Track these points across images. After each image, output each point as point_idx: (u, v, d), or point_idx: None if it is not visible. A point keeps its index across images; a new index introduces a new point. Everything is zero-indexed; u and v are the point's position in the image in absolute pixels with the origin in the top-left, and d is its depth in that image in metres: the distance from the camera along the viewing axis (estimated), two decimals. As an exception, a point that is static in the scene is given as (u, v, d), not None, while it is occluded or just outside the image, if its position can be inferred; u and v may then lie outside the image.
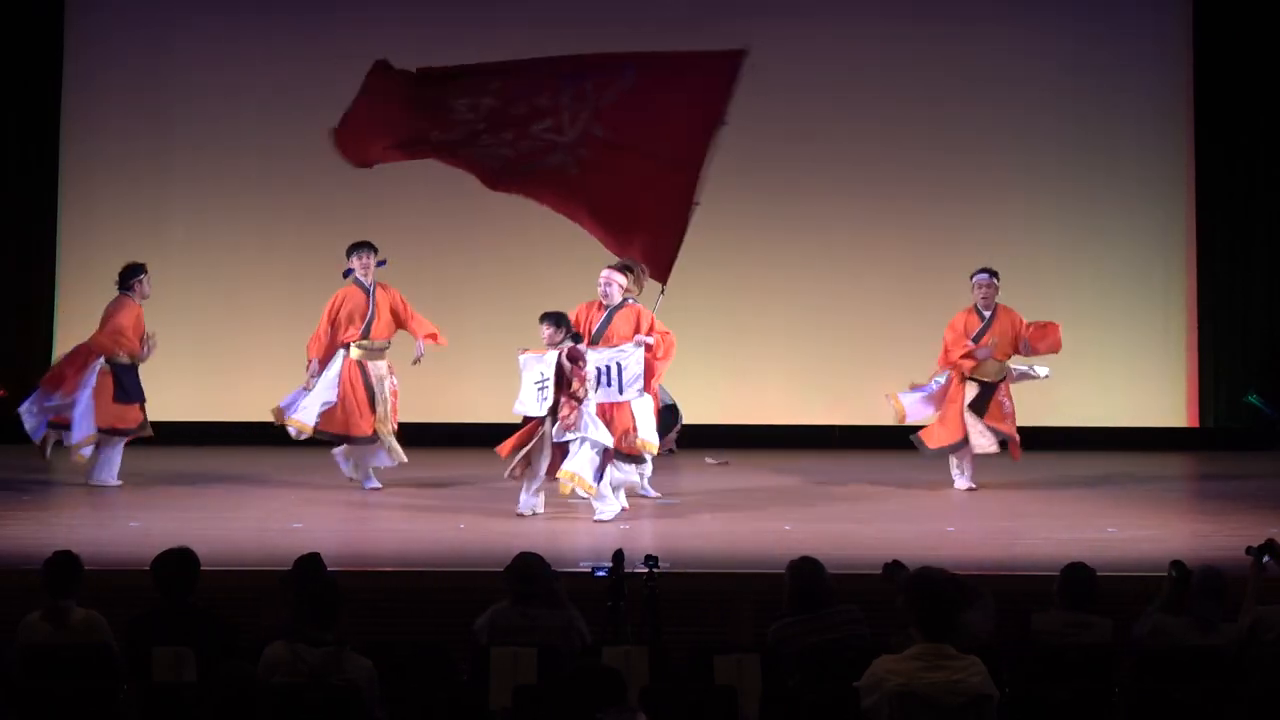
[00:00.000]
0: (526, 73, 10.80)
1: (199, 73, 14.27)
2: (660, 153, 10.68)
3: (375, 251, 11.31)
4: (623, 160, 10.69)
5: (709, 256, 14.28)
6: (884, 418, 12.03)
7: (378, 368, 11.29)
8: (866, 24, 14.42)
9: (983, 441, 11.49)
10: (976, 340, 11.51)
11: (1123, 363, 14.37)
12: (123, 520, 10.11)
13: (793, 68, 14.32)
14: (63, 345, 12.68)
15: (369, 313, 11.23)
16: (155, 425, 11.64)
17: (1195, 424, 14.46)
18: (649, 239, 10.79)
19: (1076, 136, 14.40)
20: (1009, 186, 14.42)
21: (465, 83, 10.70)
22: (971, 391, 11.56)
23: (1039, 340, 11.55)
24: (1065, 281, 14.33)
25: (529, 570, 6.76)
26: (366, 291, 11.28)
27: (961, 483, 11.56)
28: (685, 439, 12.59)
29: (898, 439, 12.30)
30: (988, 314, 11.56)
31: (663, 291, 10.80)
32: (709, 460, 12.50)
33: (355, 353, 11.24)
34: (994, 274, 11.61)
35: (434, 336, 11.44)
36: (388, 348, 11.38)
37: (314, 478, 11.83)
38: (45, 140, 14.32)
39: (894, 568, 6.59)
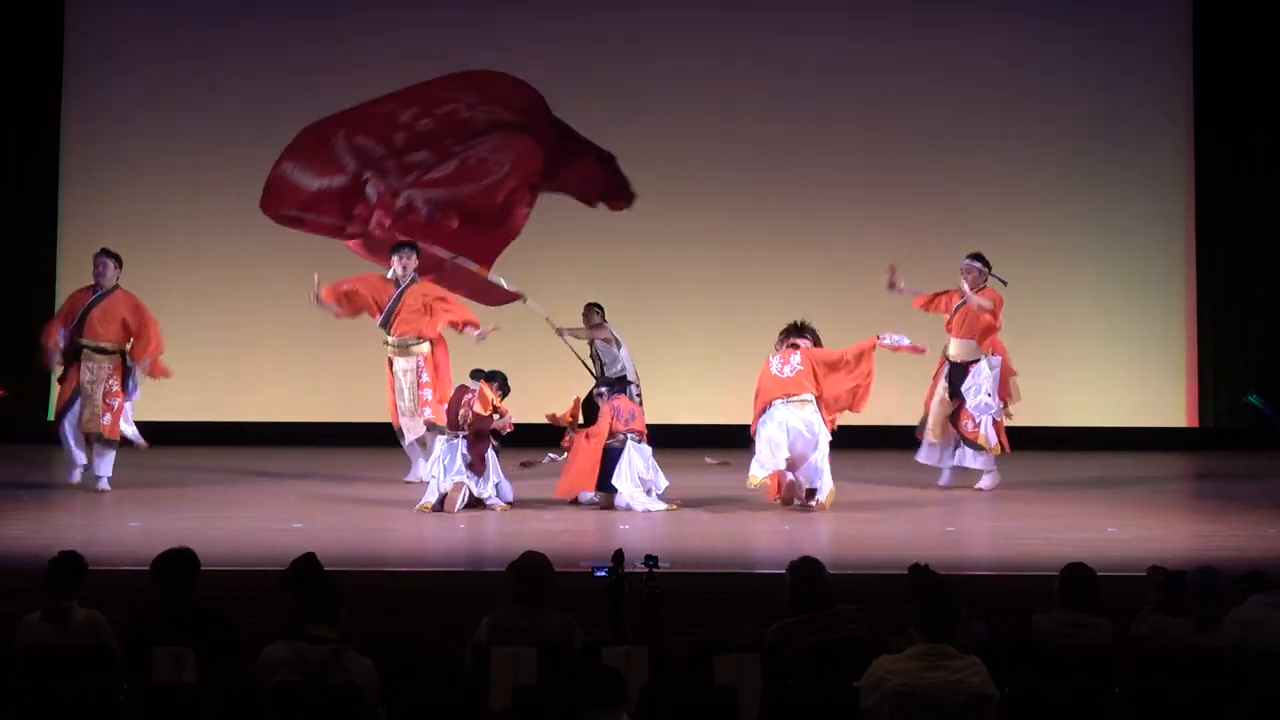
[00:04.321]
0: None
1: (200, 74, 14.27)
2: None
3: (416, 252, 11.44)
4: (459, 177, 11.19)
5: (708, 256, 14.32)
6: (883, 417, 12.03)
7: (401, 364, 11.57)
8: (867, 26, 14.43)
9: (932, 446, 11.63)
10: (952, 316, 11.59)
11: (1123, 363, 14.37)
12: (123, 520, 10.11)
13: (793, 69, 14.34)
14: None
15: (390, 305, 11.50)
16: (156, 425, 11.67)
17: (1195, 424, 14.46)
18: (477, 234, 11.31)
19: (1077, 138, 14.40)
20: (1010, 187, 14.42)
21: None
22: (943, 378, 11.68)
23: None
24: (1065, 282, 14.34)
25: (534, 570, 6.75)
26: (397, 286, 11.53)
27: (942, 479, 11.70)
28: (684, 439, 12.61)
29: (897, 439, 12.30)
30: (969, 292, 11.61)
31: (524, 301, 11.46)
32: (709, 460, 12.51)
33: (386, 349, 11.64)
34: (975, 258, 11.61)
35: (462, 325, 11.62)
36: (415, 345, 11.54)
37: (314, 478, 11.84)
38: (45, 142, 14.33)
39: (918, 571, 6.62)
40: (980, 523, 10.51)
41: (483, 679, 6.24)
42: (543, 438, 11.12)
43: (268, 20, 14.39)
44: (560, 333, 11.50)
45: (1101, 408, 14.28)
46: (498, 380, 10.72)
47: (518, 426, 10.83)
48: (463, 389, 10.75)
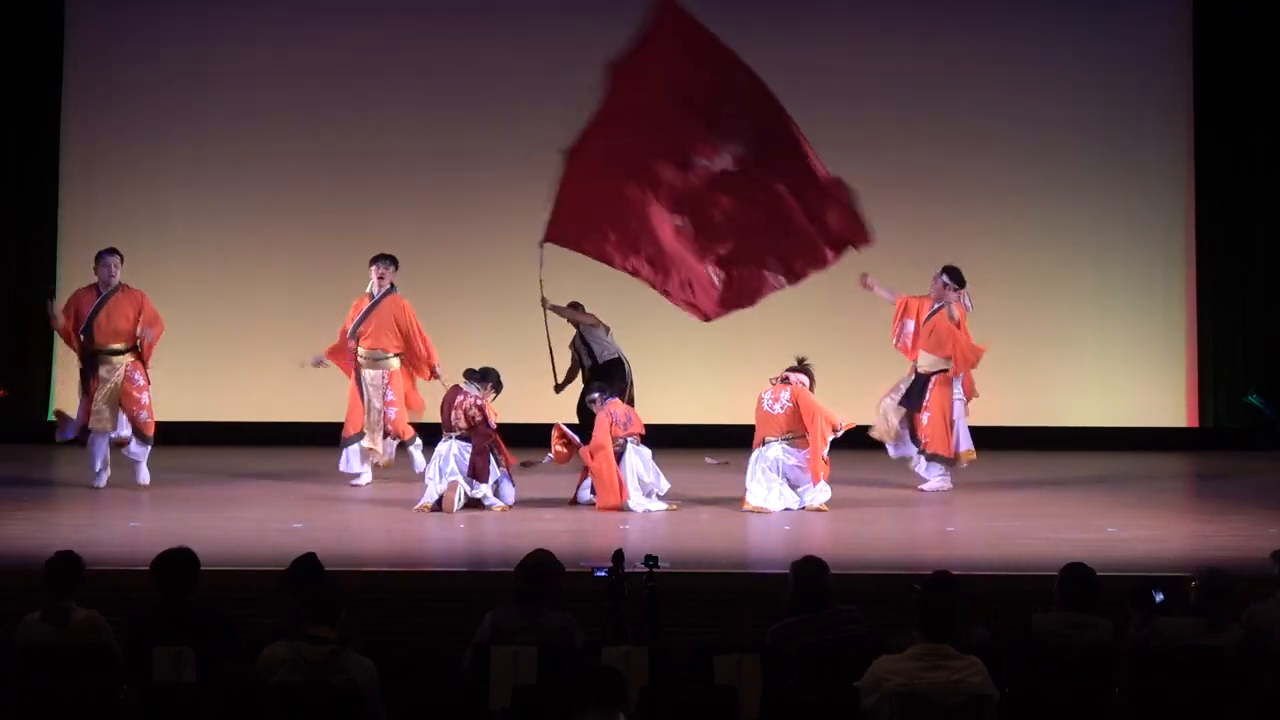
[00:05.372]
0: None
1: (199, 74, 14.26)
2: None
3: (393, 264, 11.47)
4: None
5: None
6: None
7: (369, 375, 11.53)
8: (866, 27, 14.42)
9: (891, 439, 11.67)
10: (921, 325, 11.63)
11: (1123, 363, 14.36)
12: (123, 520, 10.11)
13: (792, 69, 14.31)
14: (62, 346, 12.68)
15: (362, 316, 11.49)
16: (156, 425, 11.63)
17: (1195, 424, 14.45)
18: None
19: (1077, 138, 14.39)
20: (1010, 187, 14.41)
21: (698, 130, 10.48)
22: (905, 383, 11.70)
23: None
24: (1065, 282, 14.34)
25: (541, 569, 6.75)
26: (371, 298, 11.52)
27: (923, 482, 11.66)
28: (685, 439, 12.61)
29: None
30: (937, 305, 11.63)
31: None
32: (709, 460, 12.51)
33: (358, 355, 11.54)
34: (947, 273, 11.68)
35: (423, 372, 11.58)
36: (384, 359, 11.53)
37: (314, 478, 11.83)
38: (45, 141, 14.31)
39: (938, 575, 6.63)
40: (980, 523, 10.50)
41: (483, 679, 6.24)
42: (540, 438, 11.11)
43: (267, 21, 14.37)
44: (544, 304, 10.96)
45: (1101, 408, 14.27)
46: (491, 379, 10.71)
47: (514, 426, 10.86)
48: (455, 390, 10.73)
